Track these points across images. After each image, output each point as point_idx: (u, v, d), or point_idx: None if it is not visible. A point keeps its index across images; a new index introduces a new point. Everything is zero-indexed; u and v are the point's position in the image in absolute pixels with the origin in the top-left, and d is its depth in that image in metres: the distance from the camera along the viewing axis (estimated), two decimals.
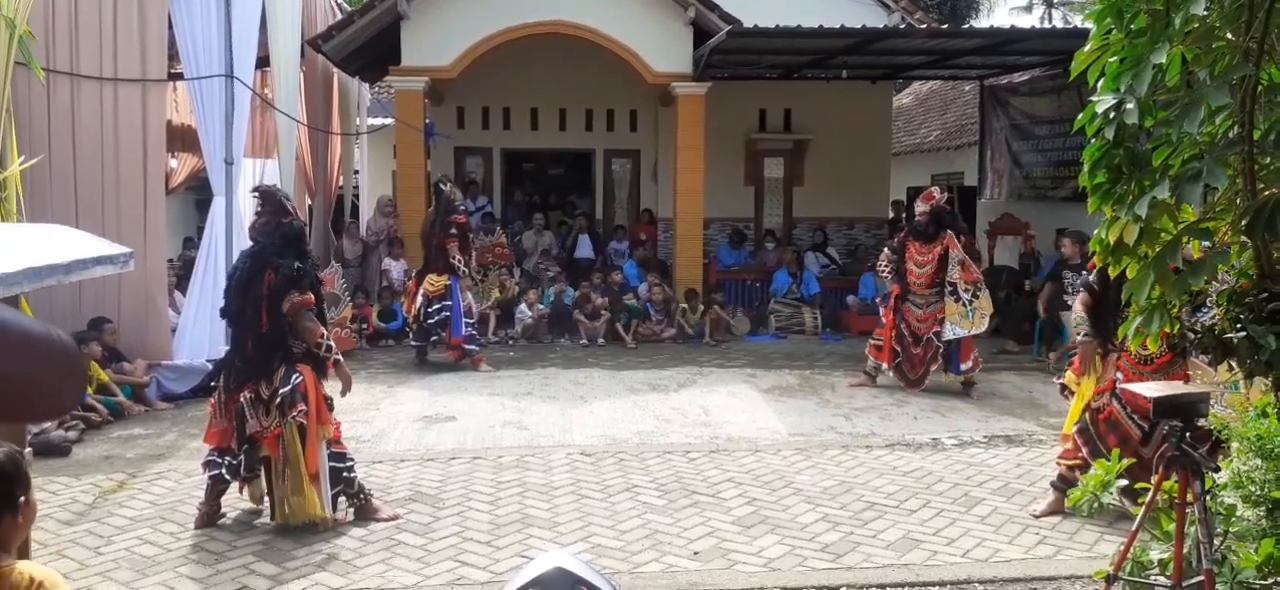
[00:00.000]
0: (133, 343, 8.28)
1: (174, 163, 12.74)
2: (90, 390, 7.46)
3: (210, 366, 6.16)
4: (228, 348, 5.44)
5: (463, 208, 10.12)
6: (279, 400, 5.05)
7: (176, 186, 13.61)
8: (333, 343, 5.34)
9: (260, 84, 10.87)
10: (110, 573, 4.64)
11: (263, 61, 10.27)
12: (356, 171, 15.33)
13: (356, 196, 15.47)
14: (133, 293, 8.29)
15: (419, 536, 5.09)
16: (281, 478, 5.09)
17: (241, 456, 5.21)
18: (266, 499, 5.29)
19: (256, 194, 5.56)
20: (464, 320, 9.68)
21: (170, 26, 8.68)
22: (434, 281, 9.70)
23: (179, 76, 9.62)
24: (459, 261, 9.71)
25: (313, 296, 5.19)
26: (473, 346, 9.75)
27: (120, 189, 8.36)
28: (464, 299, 9.77)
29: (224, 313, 5.40)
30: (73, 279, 3.53)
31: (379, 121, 15.48)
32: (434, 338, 9.73)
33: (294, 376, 5.08)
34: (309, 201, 12.67)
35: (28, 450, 3.57)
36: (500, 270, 11.00)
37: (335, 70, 12.70)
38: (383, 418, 7.69)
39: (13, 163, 7.07)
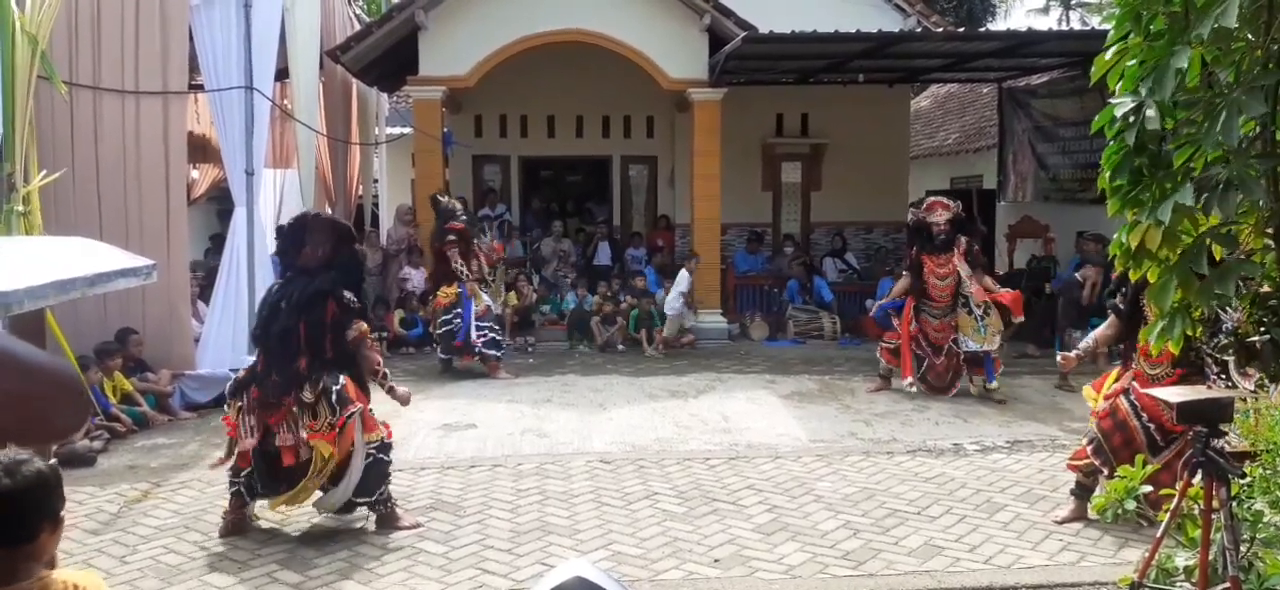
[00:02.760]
0: (156, 353, 8.36)
1: (195, 174, 12.85)
2: (114, 400, 7.54)
3: (233, 376, 6.07)
4: (257, 362, 5.35)
5: (463, 216, 10.10)
6: (334, 396, 5.13)
7: (198, 197, 13.72)
8: (387, 370, 5.46)
9: (280, 95, 10.96)
10: (136, 582, 4.68)
11: (282, 73, 10.35)
12: (376, 181, 15.41)
13: (376, 205, 15.55)
14: (156, 303, 8.36)
15: (440, 545, 5.11)
16: (318, 474, 5.16)
17: (258, 475, 5.21)
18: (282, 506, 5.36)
19: (309, 221, 5.39)
20: (478, 324, 9.69)
21: (190, 39, 8.77)
22: (446, 293, 9.75)
23: (200, 88, 9.72)
24: (460, 268, 9.75)
25: (368, 328, 5.32)
26: (492, 352, 9.77)
27: (143, 201, 8.43)
28: (478, 304, 9.77)
29: (263, 335, 5.25)
30: (97, 291, 3.58)
31: (397, 131, 15.57)
32: (445, 350, 9.79)
33: (338, 378, 5.20)
34: (329, 210, 12.76)
35: (53, 460, 3.61)
36: (504, 269, 10.96)
37: (354, 80, 12.78)
38: (403, 425, 7.70)
39: (35, 176, 7.16)
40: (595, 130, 14.55)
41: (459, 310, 9.69)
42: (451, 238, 9.85)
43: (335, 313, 5.15)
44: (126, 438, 7.32)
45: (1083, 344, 5.70)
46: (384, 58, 12.03)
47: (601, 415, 8.03)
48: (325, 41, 11.29)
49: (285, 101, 11.14)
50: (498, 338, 10.00)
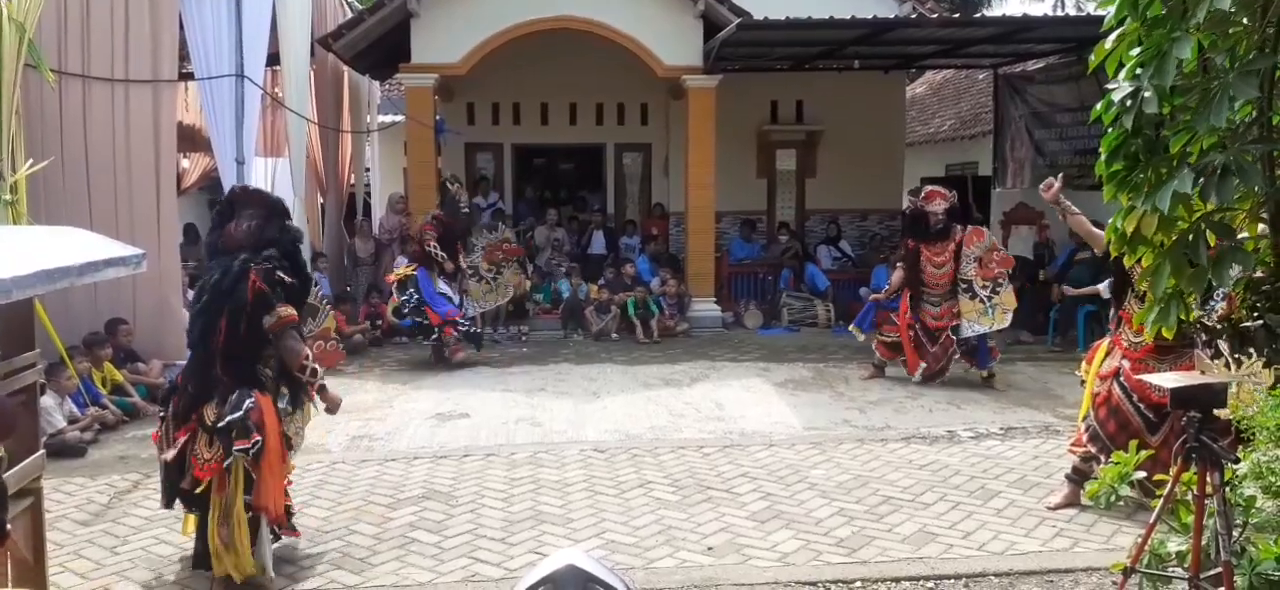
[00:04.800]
0: (147, 343, 8.32)
1: (185, 163, 12.79)
2: (104, 391, 7.51)
3: None
4: (184, 370, 4.64)
5: (465, 209, 9.99)
6: (226, 425, 4.29)
7: (189, 187, 13.67)
8: (317, 367, 4.66)
9: (271, 83, 10.90)
10: (127, 572, 4.66)
11: (273, 60, 10.28)
12: (368, 169, 15.37)
13: (368, 194, 15.50)
14: (147, 293, 8.32)
15: (433, 534, 5.10)
16: (223, 522, 4.31)
17: (176, 496, 4.55)
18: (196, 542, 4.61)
19: (237, 194, 4.70)
20: (444, 303, 9.60)
21: (181, 26, 8.70)
22: (398, 272, 9.69)
23: (190, 76, 9.65)
24: (434, 249, 9.66)
25: (296, 313, 4.54)
26: (456, 336, 9.68)
27: (132, 190, 8.39)
28: (435, 284, 9.65)
29: (190, 333, 4.52)
30: (86, 281, 3.54)
31: (390, 119, 15.52)
32: (410, 323, 9.73)
33: (247, 401, 4.32)
34: (320, 199, 12.72)
35: (41, 452, 3.59)
36: (513, 266, 10.92)
37: (345, 68, 12.72)
38: (396, 415, 7.71)
39: (22, 166, 7.11)
40: (589, 118, 14.49)
41: (412, 290, 9.59)
42: (430, 221, 9.84)
43: (257, 289, 4.33)
44: (117, 429, 7.29)
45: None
46: (376, 45, 11.96)
47: (595, 404, 8.01)
48: (316, 29, 11.23)
49: (276, 89, 11.07)
50: (473, 331, 9.90)
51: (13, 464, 3.34)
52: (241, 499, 4.32)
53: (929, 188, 8.84)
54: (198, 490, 4.36)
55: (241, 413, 4.29)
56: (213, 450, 4.32)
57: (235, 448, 4.26)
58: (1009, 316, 8.51)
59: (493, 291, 10.53)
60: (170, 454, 4.46)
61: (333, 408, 4.75)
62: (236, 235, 4.48)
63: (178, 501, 4.60)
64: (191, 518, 4.62)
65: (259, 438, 4.31)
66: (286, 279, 4.47)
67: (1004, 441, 6.80)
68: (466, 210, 10.01)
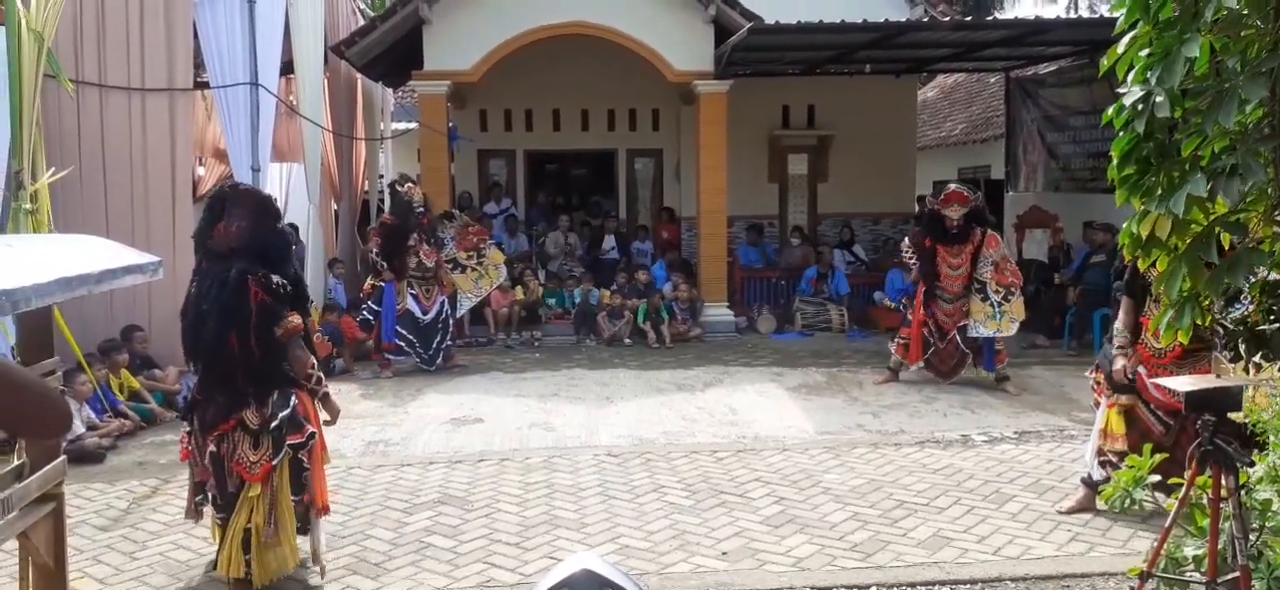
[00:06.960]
0: (164, 350, 8.38)
1: (202, 170, 12.88)
2: (122, 397, 7.57)
3: None
4: (200, 383, 4.57)
5: (421, 209, 9.76)
6: (278, 424, 4.38)
7: (205, 194, 13.73)
8: (323, 374, 4.72)
9: (285, 91, 10.97)
10: (145, 578, 4.69)
11: (287, 68, 10.35)
12: (382, 176, 15.44)
13: (382, 200, 15.56)
14: (163, 300, 8.37)
15: (448, 539, 5.12)
16: (267, 521, 4.37)
17: (221, 499, 4.46)
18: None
19: (227, 193, 4.54)
20: (400, 323, 9.57)
21: (195, 35, 8.78)
22: (372, 283, 9.70)
23: (205, 85, 9.73)
24: (375, 257, 9.64)
25: (301, 322, 4.54)
26: (395, 357, 9.63)
27: (149, 198, 8.47)
28: (402, 299, 9.60)
29: (194, 348, 4.46)
30: (103, 289, 3.57)
31: (403, 126, 15.59)
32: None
33: (291, 398, 4.46)
34: (335, 206, 12.78)
35: (63, 458, 3.63)
36: (491, 246, 10.74)
37: (359, 75, 12.79)
38: (411, 420, 7.74)
39: (43, 174, 7.18)
40: (601, 123, 14.53)
41: (376, 306, 9.56)
42: (375, 228, 9.79)
43: (260, 300, 4.31)
44: (135, 435, 7.34)
45: (1117, 343, 5.48)
46: (388, 52, 12.03)
47: (609, 409, 8.03)
48: (329, 36, 11.29)
49: (290, 97, 11.14)
50: (446, 345, 9.80)
51: (35, 469, 3.38)
52: (288, 496, 4.46)
53: (950, 189, 8.76)
54: (252, 493, 4.36)
55: (290, 410, 4.44)
56: (260, 452, 4.39)
57: (288, 443, 4.41)
58: (1015, 326, 8.52)
59: (483, 277, 10.43)
60: (206, 473, 4.44)
61: (333, 417, 4.79)
62: (227, 236, 4.40)
63: (209, 512, 4.63)
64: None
65: (313, 430, 4.52)
66: (284, 287, 4.43)
67: (1018, 445, 6.78)
68: (422, 209, 9.85)
